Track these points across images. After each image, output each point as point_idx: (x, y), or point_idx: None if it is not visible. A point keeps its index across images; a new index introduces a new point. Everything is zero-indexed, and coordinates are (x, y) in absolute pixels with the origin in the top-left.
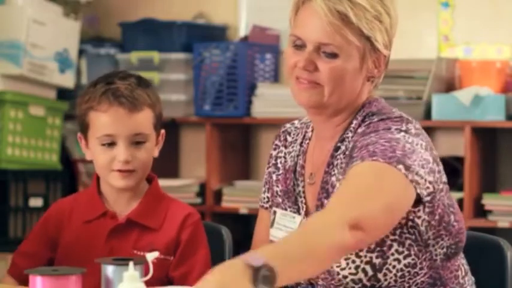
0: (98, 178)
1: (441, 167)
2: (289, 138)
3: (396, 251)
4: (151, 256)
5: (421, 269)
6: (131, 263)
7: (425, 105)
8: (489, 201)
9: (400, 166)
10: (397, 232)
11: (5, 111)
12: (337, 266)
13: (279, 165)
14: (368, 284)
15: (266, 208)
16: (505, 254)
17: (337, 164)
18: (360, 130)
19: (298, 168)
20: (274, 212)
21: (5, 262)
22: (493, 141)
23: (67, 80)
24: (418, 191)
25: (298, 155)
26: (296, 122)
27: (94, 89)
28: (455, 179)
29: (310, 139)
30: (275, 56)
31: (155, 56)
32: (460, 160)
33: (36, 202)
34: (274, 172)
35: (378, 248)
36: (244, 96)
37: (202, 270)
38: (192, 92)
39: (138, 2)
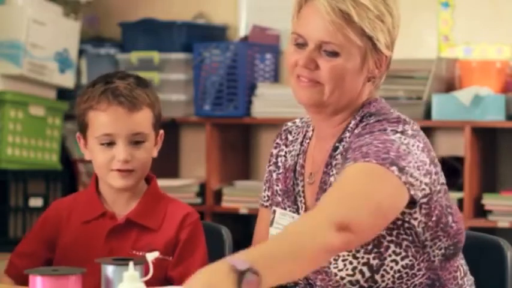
0: (96, 178)
1: (439, 168)
2: (290, 137)
3: (393, 252)
4: (151, 256)
5: (419, 270)
6: (131, 263)
7: (425, 105)
8: (489, 201)
9: (394, 168)
10: (394, 233)
11: (5, 111)
12: (335, 267)
13: (280, 164)
14: (365, 285)
15: (266, 207)
16: (505, 254)
17: (335, 164)
18: (356, 131)
19: (298, 168)
20: (274, 211)
21: (5, 262)
22: (493, 141)
23: (67, 80)
24: (412, 192)
25: (298, 154)
26: (298, 120)
27: (93, 89)
28: (455, 179)
29: (310, 138)
30: (275, 56)
31: (155, 56)
32: (460, 160)
33: (36, 202)
34: (274, 171)
35: (375, 249)
36: (244, 96)
37: None
38: (192, 92)
39: (138, 2)
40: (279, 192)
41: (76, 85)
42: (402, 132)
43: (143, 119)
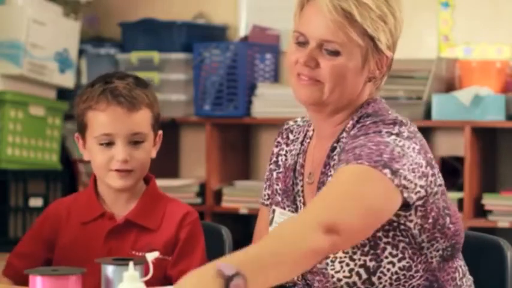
0: (95, 179)
1: (436, 170)
2: (291, 136)
3: (390, 254)
4: (151, 256)
5: (416, 271)
6: (131, 263)
7: (425, 105)
8: (489, 201)
9: (386, 170)
10: (390, 235)
11: (5, 111)
12: (332, 269)
13: (280, 162)
14: (363, 287)
15: (267, 205)
16: (505, 254)
17: (333, 165)
18: (352, 132)
19: (298, 167)
20: (273, 211)
21: (4, 262)
22: (493, 141)
23: (67, 80)
24: (406, 195)
25: (298, 154)
26: (299, 119)
27: (92, 89)
28: (455, 179)
29: (311, 138)
30: (275, 56)
31: (155, 56)
32: (460, 160)
33: (36, 202)
34: (275, 170)
35: (372, 251)
36: (244, 96)
37: None
38: (192, 92)
39: (138, 2)
40: (279, 191)
41: (76, 85)
42: (397, 134)
43: (142, 119)
